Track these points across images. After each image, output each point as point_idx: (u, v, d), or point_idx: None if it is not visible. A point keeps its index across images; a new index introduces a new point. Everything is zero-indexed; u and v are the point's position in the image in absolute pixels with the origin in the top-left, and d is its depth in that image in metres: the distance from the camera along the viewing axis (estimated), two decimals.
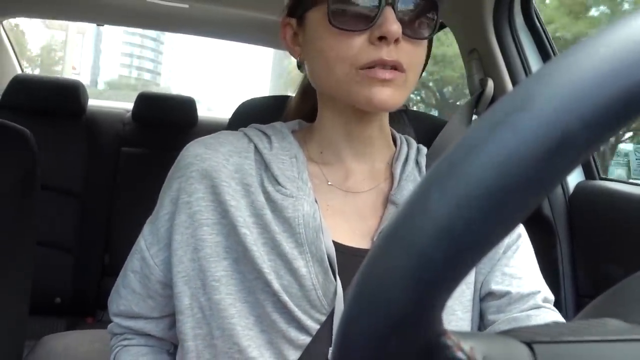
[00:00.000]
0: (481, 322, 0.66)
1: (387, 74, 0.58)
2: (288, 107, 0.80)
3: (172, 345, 0.72)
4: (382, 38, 0.58)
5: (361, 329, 0.20)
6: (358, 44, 0.59)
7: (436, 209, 0.19)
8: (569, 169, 0.19)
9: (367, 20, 0.59)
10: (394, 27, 0.57)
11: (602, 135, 0.19)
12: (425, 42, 0.64)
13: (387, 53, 0.58)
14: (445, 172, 0.19)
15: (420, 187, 0.20)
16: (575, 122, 0.18)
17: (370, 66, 0.59)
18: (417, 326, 0.20)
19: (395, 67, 0.59)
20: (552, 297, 0.66)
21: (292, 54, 0.69)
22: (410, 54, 0.60)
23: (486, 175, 0.18)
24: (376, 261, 0.20)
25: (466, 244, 0.19)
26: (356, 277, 0.21)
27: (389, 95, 0.59)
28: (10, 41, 2.46)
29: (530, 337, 0.22)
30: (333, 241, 0.62)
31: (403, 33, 0.59)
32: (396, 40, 0.58)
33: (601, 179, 1.20)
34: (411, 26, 0.60)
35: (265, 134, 0.68)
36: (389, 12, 0.58)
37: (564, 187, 1.19)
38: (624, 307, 0.27)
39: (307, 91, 0.75)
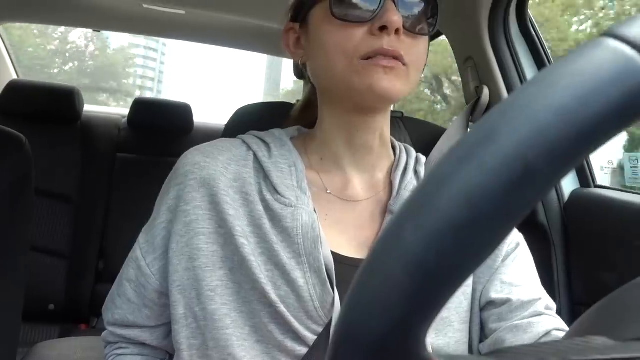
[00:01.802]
0: (482, 332, 0.65)
1: (388, 62, 0.59)
2: (291, 115, 0.80)
3: (166, 354, 0.71)
4: (382, 28, 0.59)
5: (346, 357, 0.21)
6: (359, 35, 0.60)
7: (409, 242, 0.19)
8: (534, 201, 0.20)
9: (368, 12, 0.60)
10: (395, 18, 0.58)
11: (565, 166, 0.19)
12: (426, 40, 0.64)
13: (387, 43, 0.59)
14: (417, 205, 0.20)
15: (395, 220, 0.21)
16: (537, 155, 0.19)
17: (371, 56, 0.59)
18: (399, 354, 0.20)
19: (396, 58, 0.59)
20: (553, 304, 0.65)
21: (294, 58, 0.70)
22: (410, 48, 0.61)
23: (454, 208, 0.19)
24: (357, 291, 0.21)
25: (439, 275, 0.19)
26: (342, 305, 0.21)
27: (391, 83, 0.59)
28: (6, 46, 2.45)
29: (514, 359, 0.22)
30: (331, 252, 0.61)
31: (404, 27, 0.60)
32: (397, 32, 0.59)
33: (596, 186, 1.21)
34: (411, 21, 0.61)
35: (264, 141, 0.68)
36: (390, 4, 0.60)
37: (559, 195, 1.19)
38: (610, 323, 0.27)
39: (311, 101, 0.75)
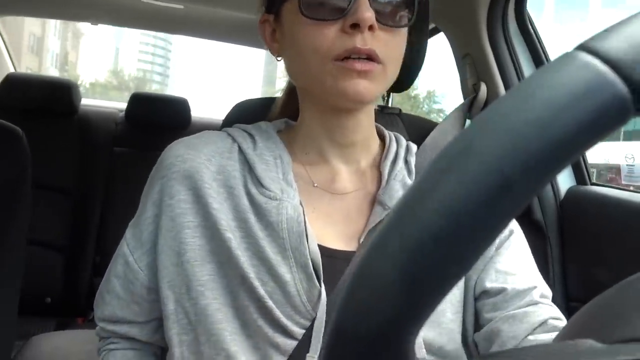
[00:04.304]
0: (477, 321, 0.64)
1: (363, 65, 0.57)
2: (273, 107, 0.79)
3: (159, 348, 0.71)
4: (355, 26, 0.56)
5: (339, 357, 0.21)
6: (332, 34, 0.57)
7: (394, 251, 0.20)
8: (512, 212, 0.20)
9: (340, 9, 0.57)
10: (367, 14, 0.56)
11: (543, 178, 0.20)
12: (404, 32, 0.62)
13: (361, 41, 0.57)
14: (401, 215, 0.21)
15: (383, 228, 0.21)
16: (514, 167, 0.19)
17: (345, 56, 0.57)
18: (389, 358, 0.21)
19: (371, 57, 0.57)
20: (549, 292, 0.64)
21: (271, 51, 0.68)
22: (386, 43, 0.59)
23: (436, 220, 0.20)
24: (346, 301, 0.21)
25: (423, 284, 0.20)
26: (334, 312, 0.22)
27: (365, 87, 0.58)
28: (3, 39, 2.44)
29: None
30: (319, 245, 0.61)
31: (378, 21, 0.57)
32: (370, 28, 0.57)
33: (592, 184, 1.21)
34: (386, 14, 0.59)
35: (249, 134, 0.67)
36: (362, 0, 0.57)
37: (555, 192, 1.20)
38: (598, 325, 0.27)
39: (292, 92, 0.74)
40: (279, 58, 0.68)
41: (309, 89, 0.63)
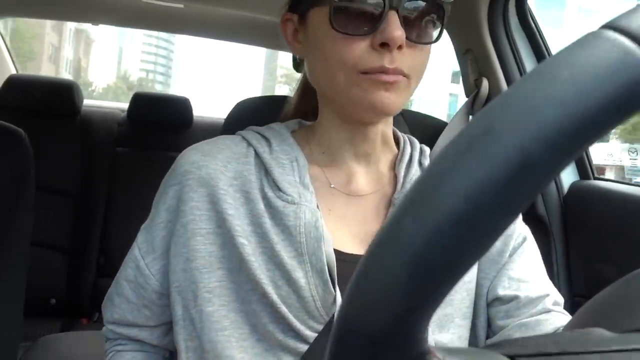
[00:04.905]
0: (489, 328, 0.64)
1: (389, 77, 0.57)
2: (287, 106, 0.78)
3: (168, 351, 0.71)
4: (384, 44, 0.56)
5: (347, 351, 0.21)
6: (360, 49, 0.57)
7: (409, 235, 0.19)
8: (532, 194, 0.19)
9: (370, 25, 0.56)
10: (398, 33, 0.55)
11: (563, 159, 0.19)
12: (430, 47, 0.61)
13: (389, 60, 0.56)
14: (417, 199, 0.20)
15: (395, 214, 0.20)
16: (536, 147, 0.19)
17: (371, 72, 0.57)
18: (400, 348, 0.20)
19: (397, 72, 0.57)
20: (561, 299, 0.64)
21: (292, 50, 0.68)
22: (413, 59, 0.58)
23: (454, 202, 0.19)
24: (358, 286, 0.21)
25: (439, 269, 0.19)
26: (343, 299, 0.21)
27: (392, 99, 0.57)
28: (4, 41, 2.45)
29: (513, 351, 0.22)
30: (334, 249, 0.60)
31: (407, 38, 0.57)
32: (399, 47, 0.56)
33: (595, 178, 1.21)
34: (415, 31, 0.58)
35: (264, 136, 0.66)
36: (392, 17, 0.56)
37: (559, 187, 1.19)
38: (608, 315, 0.27)
39: (306, 90, 0.73)
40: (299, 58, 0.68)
41: (332, 97, 0.63)
